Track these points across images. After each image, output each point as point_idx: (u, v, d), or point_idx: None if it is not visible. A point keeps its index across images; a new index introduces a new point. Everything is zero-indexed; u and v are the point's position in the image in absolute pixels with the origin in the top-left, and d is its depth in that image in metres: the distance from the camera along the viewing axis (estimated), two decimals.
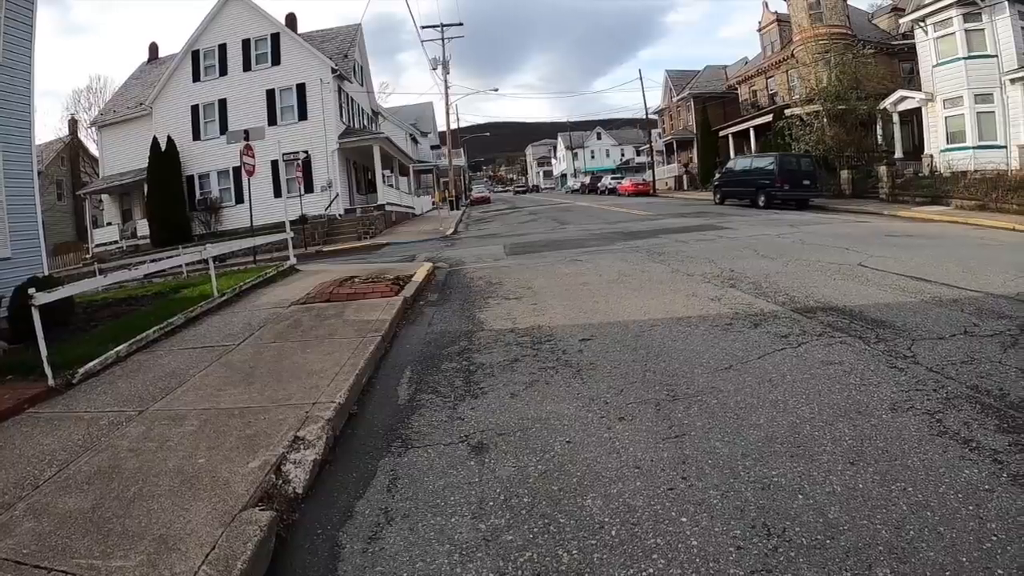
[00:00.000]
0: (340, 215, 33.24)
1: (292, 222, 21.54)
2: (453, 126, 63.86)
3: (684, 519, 3.76)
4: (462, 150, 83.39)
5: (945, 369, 6.28)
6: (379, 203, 35.08)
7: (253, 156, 19.68)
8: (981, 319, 8.14)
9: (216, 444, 5.07)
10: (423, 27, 67.45)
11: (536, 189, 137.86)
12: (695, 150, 61.51)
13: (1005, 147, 30.37)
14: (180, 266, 17.74)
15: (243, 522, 3.87)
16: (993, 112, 31.06)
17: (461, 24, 52.99)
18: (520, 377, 6.42)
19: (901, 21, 39.56)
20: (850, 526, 3.65)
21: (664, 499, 3.98)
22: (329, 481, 4.57)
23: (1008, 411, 5.22)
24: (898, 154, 36.79)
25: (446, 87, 52.06)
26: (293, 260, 17.06)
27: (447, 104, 53.95)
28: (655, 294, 10.15)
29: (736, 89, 59.05)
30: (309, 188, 33.22)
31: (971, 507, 3.83)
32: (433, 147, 72.91)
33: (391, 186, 40.30)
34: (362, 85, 42.61)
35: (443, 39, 50.81)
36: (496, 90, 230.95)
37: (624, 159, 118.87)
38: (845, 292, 9.88)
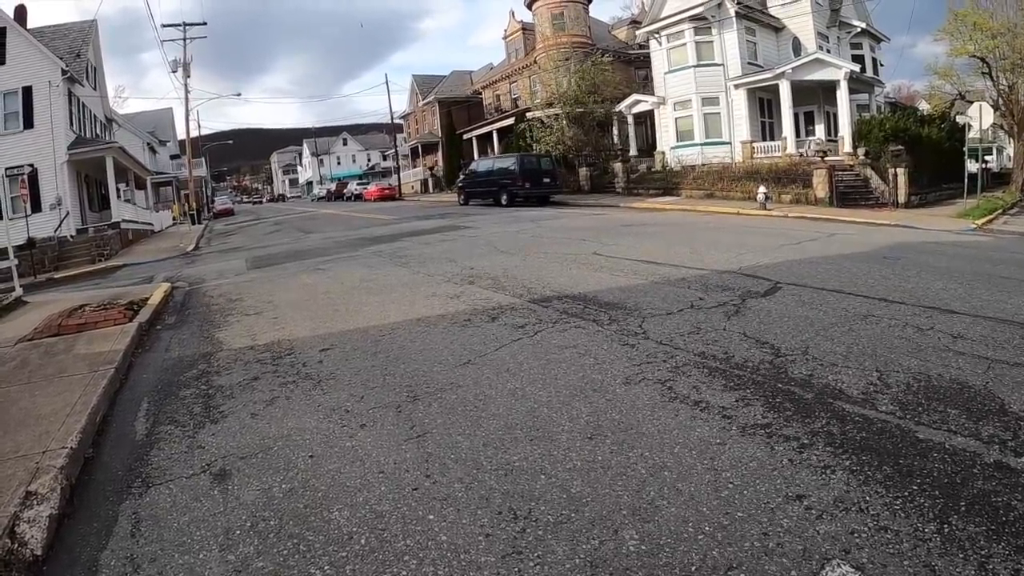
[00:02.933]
0: (72, 236, 29.73)
1: (19, 247, 19.73)
2: (194, 133, 60.88)
3: (432, 516, 3.76)
4: (204, 159, 79.16)
5: (674, 341, 6.80)
6: (114, 220, 31.74)
7: None
8: (707, 293, 8.93)
9: None
10: (164, 26, 62.64)
11: (282, 198, 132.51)
12: (440, 153, 62.59)
13: (729, 143, 33.76)
14: None
15: None
16: (719, 113, 34.42)
17: (204, 24, 50.03)
18: (260, 396, 6.17)
19: (638, 32, 42.28)
20: (593, 497, 3.82)
21: (410, 500, 3.97)
22: (70, 536, 4.14)
23: (733, 371, 5.77)
24: (633, 152, 39.43)
25: (186, 91, 48.39)
26: (19, 291, 15.52)
27: (187, 110, 49.96)
28: (395, 297, 10.15)
29: (481, 94, 60.41)
30: (37, 207, 28.63)
31: (706, 461, 4.16)
32: (173, 157, 68.17)
33: (127, 201, 37.28)
34: (96, 89, 38.43)
35: (184, 39, 47.51)
36: (239, 95, 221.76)
37: (371, 164, 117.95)
38: (580, 280, 10.41)
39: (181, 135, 63.44)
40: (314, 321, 9.07)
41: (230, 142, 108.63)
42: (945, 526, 3.39)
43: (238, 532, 3.85)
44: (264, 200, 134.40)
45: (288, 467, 4.59)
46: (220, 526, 3.94)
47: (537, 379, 5.93)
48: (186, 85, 48.56)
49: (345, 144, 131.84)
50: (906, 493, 3.72)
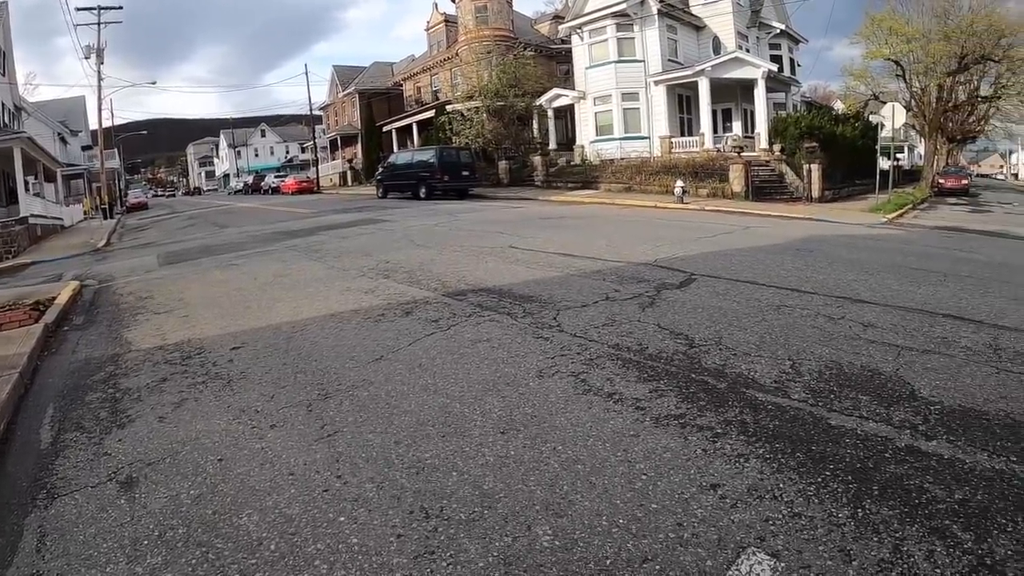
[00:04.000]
0: None
1: None
2: (107, 123, 58.59)
3: (342, 519, 3.67)
4: (117, 151, 76.46)
5: (588, 333, 6.82)
6: (22, 216, 30.44)
7: None
8: (622, 285, 9.01)
9: None
10: (78, 9, 59.16)
11: (198, 191, 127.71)
12: (360, 146, 62.12)
13: (648, 138, 34.43)
14: None
15: None
16: (639, 108, 35.06)
17: (120, 8, 47.66)
18: (168, 398, 5.94)
19: (560, 28, 42.74)
20: (506, 493, 3.79)
21: (321, 502, 3.87)
22: None
23: (647, 363, 5.80)
24: (552, 145, 39.81)
25: (99, 79, 46.00)
26: None
27: (99, 98, 47.41)
28: (310, 293, 9.95)
29: (402, 86, 60.10)
30: None
31: (619, 453, 4.16)
32: (85, 148, 65.31)
33: (36, 195, 35.65)
34: (4, 75, 36.31)
35: (99, 24, 45.13)
36: (154, 83, 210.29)
37: (289, 156, 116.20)
38: (495, 273, 10.38)
39: (93, 125, 60.76)
40: (225, 319, 8.81)
41: (144, 133, 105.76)
42: (859, 510, 3.45)
43: (146, 543, 3.70)
44: (179, 193, 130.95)
45: (196, 472, 4.43)
46: (127, 537, 3.78)
47: (450, 374, 5.86)
48: (99, 72, 46.36)
49: (263, 136, 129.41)
50: (819, 479, 3.77)
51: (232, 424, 5.17)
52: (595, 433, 4.48)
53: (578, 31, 37.26)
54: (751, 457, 4.05)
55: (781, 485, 3.72)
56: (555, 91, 39.40)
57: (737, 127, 37.34)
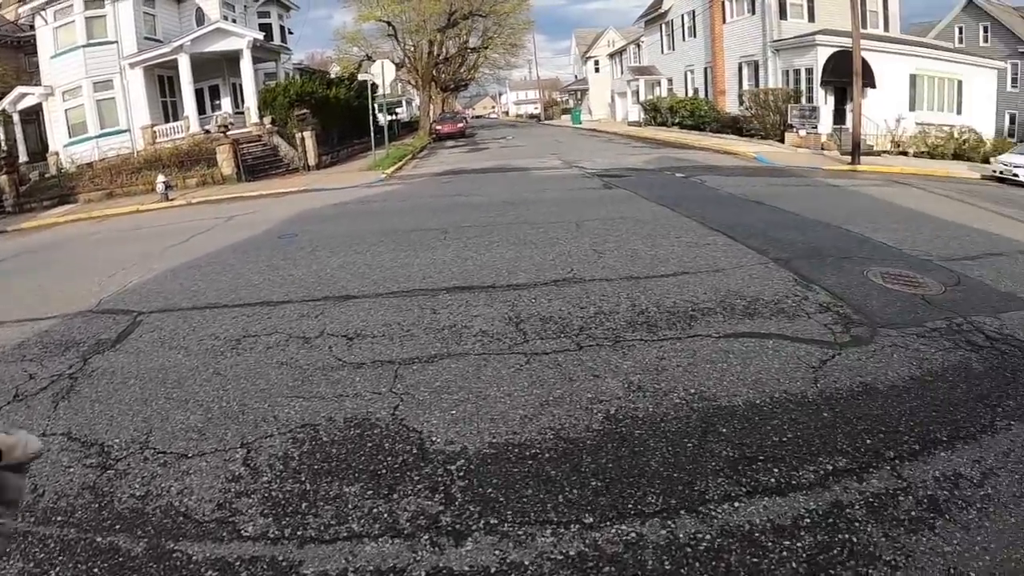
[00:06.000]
0: None
1: None
2: None
3: None
4: None
5: None
6: None
7: None
8: (44, 362, 6.21)
9: None
10: None
11: None
12: None
13: (129, 130, 31.40)
14: None
15: None
16: (114, 98, 31.83)
17: None
18: None
19: (21, 11, 36.56)
20: None
21: None
22: None
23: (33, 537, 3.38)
24: (24, 157, 34.67)
25: None
26: None
27: None
28: None
29: None
30: None
31: None
32: None
33: None
34: None
35: None
36: None
37: None
38: None
39: None
40: None
41: None
42: None
43: None
44: None
45: None
46: None
47: None
48: None
49: None
50: None
51: None
52: None
53: (41, 12, 32.03)
54: None
55: None
56: (19, 90, 34.28)
57: (227, 104, 35.66)
